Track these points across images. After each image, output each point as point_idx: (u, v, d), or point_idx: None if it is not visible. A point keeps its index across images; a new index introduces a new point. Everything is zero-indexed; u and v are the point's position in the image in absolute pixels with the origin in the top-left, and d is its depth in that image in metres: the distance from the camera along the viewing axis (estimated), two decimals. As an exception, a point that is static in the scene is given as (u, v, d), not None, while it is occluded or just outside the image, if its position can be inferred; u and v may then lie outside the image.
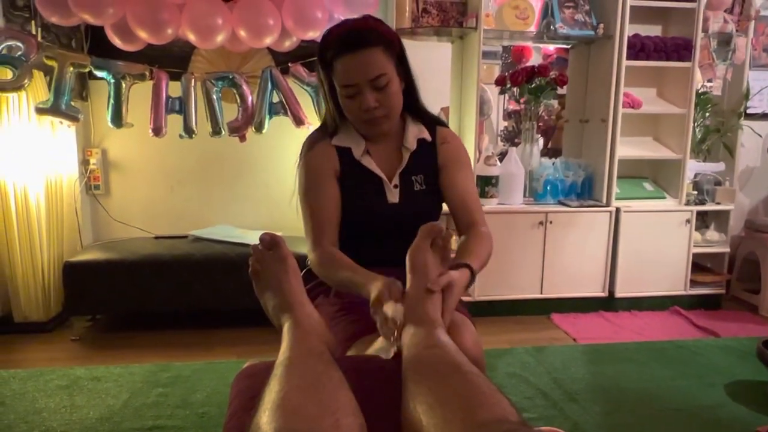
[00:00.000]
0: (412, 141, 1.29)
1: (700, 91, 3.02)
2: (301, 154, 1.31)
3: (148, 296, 2.54)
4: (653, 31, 3.04)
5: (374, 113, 1.19)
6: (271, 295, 0.98)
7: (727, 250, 3.06)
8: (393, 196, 1.26)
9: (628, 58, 2.80)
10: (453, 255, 1.09)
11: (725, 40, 3.05)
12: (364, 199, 1.26)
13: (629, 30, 2.79)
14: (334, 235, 1.23)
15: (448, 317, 0.95)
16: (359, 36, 1.14)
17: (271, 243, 0.99)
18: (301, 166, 1.28)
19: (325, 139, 1.29)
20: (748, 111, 3.19)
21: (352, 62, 1.14)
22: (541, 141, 3.10)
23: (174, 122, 2.56)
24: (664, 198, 3.01)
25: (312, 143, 1.29)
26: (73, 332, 2.57)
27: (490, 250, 1.23)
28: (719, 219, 3.09)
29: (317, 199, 1.24)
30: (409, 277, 0.99)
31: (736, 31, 2.99)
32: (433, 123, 1.34)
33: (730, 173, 3.14)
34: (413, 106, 1.31)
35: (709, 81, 3.06)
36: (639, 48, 2.83)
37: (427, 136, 1.31)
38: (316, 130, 1.33)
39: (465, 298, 2.75)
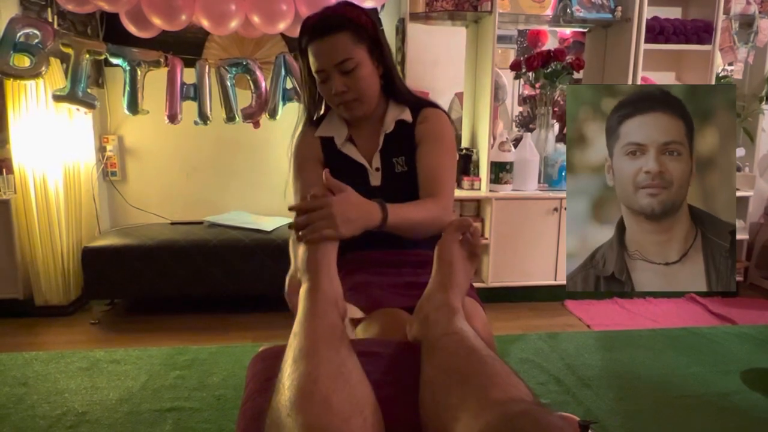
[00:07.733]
0: (389, 123, 1.29)
1: (720, 75, 2.96)
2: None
3: (165, 281, 2.58)
4: (673, 13, 2.98)
5: (344, 97, 1.22)
6: (305, 249, 0.96)
7: (746, 237, 3.01)
8: (375, 179, 1.29)
9: (647, 41, 2.75)
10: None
11: (747, 22, 2.98)
12: (348, 185, 1.26)
13: (648, 12, 2.74)
14: None
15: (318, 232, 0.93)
16: (326, 22, 1.18)
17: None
18: (291, 157, 1.36)
19: (310, 131, 1.34)
20: (770, 95, 3.12)
21: (320, 48, 1.19)
22: (556, 126, 3.06)
23: (189, 109, 2.57)
24: (681, 184, 2.96)
25: (299, 137, 1.36)
26: (93, 316, 2.63)
27: (427, 220, 1.14)
28: (738, 205, 3.03)
29: (304, 181, 1.30)
30: (434, 268, 0.99)
31: (759, 12, 2.92)
32: (419, 105, 1.33)
33: (750, 159, 3.09)
34: (393, 91, 1.30)
35: (730, 64, 3.00)
36: (658, 31, 2.78)
37: (408, 117, 1.30)
38: (303, 125, 1.38)
39: (478, 285, 2.76)
